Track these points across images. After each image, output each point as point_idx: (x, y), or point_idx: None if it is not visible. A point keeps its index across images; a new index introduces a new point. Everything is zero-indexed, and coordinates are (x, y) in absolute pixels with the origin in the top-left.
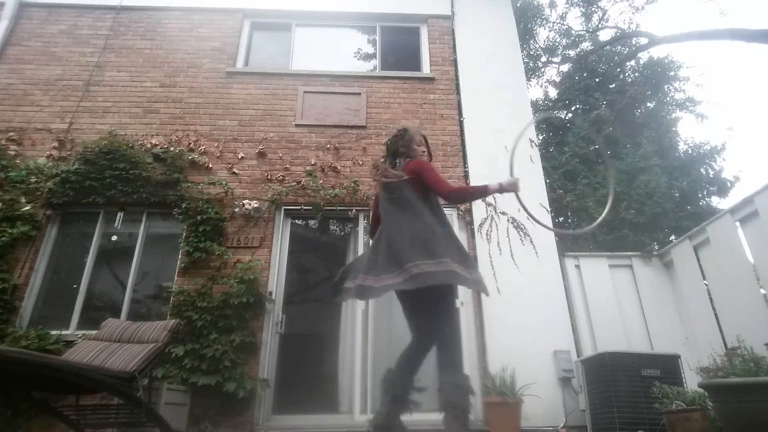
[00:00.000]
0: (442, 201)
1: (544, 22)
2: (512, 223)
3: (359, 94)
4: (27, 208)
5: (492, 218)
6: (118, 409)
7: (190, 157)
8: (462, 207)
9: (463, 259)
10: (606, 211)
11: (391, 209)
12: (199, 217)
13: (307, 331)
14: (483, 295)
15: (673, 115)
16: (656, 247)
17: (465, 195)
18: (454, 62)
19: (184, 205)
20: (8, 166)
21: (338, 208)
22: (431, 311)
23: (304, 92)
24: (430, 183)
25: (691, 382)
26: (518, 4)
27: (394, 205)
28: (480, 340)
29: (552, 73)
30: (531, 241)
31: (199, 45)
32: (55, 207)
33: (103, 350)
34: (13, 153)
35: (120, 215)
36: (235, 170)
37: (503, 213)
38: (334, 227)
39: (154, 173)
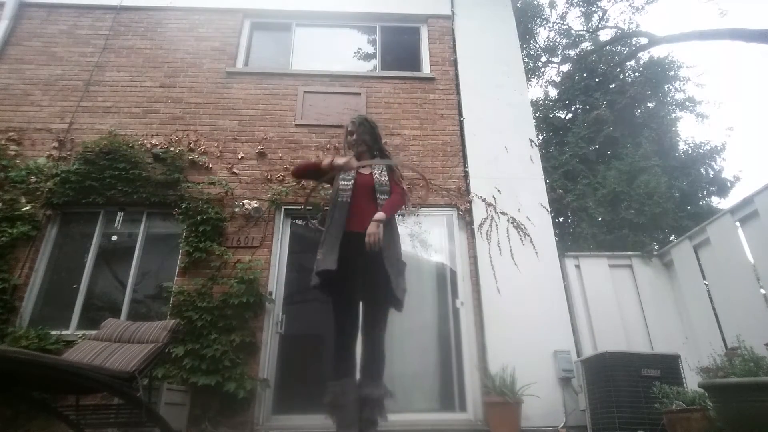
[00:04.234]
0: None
1: (544, 22)
2: (512, 223)
3: (359, 94)
4: (27, 208)
5: (492, 218)
6: (118, 409)
7: (190, 157)
8: (462, 207)
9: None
10: None
11: None
12: (199, 217)
13: (307, 331)
14: (483, 295)
15: (673, 115)
16: (656, 247)
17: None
18: (454, 62)
19: (184, 205)
20: (8, 166)
21: None
22: None
23: (304, 92)
24: None
25: (691, 382)
26: (518, 4)
27: None
28: (480, 339)
29: (552, 73)
30: (531, 241)
31: (199, 45)
32: (55, 207)
33: (103, 350)
34: (13, 153)
35: (120, 215)
36: (235, 170)
37: (503, 213)
38: None
39: (154, 173)
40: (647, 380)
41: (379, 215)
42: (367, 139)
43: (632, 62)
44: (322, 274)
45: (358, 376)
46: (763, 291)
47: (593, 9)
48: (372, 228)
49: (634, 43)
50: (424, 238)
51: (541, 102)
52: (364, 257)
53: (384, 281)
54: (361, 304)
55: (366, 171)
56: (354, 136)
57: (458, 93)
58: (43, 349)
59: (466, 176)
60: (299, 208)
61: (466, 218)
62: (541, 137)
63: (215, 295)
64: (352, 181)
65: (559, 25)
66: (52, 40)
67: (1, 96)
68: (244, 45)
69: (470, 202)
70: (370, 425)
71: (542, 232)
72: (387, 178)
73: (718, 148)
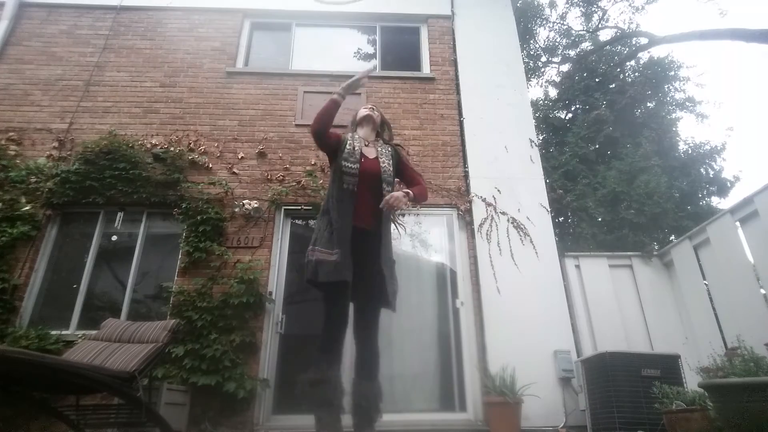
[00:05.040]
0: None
1: (544, 22)
2: (512, 223)
3: (359, 94)
4: (27, 208)
5: (492, 218)
6: (118, 409)
7: (190, 157)
8: (462, 207)
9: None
10: None
11: None
12: (199, 217)
13: (307, 331)
14: (483, 295)
15: (673, 115)
16: (656, 247)
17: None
18: (454, 62)
19: (184, 205)
20: (8, 166)
21: None
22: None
23: (304, 92)
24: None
25: (691, 382)
26: (518, 4)
27: None
28: (480, 339)
29: (552, 73)
30: (531, 241)
31: (199, 45)
32: (55, 207)
33: (103, 350)
34: (13, 153)
35: (120, 215)
36: (235, 170)
37: (503, 213)
38: None
39: (154, 173)
40: (647, 380)
41: (411, 193)
42: (381, 126)
43: (632, 62)
44: (338, 284)
45: (351, 374)
46: (763, 291)
47: (593, 9)
48: (399, 194)
49: (634, 43)
50: (424, 238)
51: (541, 102)
52: (363, 255)
53: (379, 281)
54: (352, 303)
55: (371, 155)
56: (378, 117)
57: (458, 93)
58: (43, 349)
59: (466, 176)
60: (299, 208)
61: (466, 218)
62: (541, 137)
63: (215, 295)
64: (358, 165)
65: (559, 25)
66: (52, 40)
67: (1, 96)
68: (244, 45)
69: (470, 202)
70: (366, 424)
71: (542, 232)
72: (392, 169)
73: (718, 148)
